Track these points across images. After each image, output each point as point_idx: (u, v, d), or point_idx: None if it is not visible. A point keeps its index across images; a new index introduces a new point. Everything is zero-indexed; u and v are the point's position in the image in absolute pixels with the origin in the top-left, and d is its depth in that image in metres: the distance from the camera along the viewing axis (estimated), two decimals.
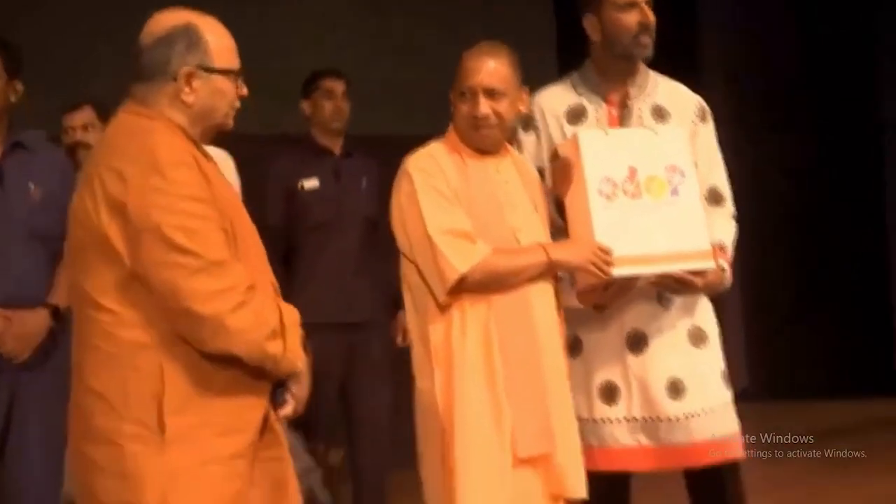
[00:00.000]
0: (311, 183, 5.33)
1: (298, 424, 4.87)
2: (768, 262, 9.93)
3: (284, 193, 5.34)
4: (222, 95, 3.00)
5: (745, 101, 9.70)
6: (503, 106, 3.43)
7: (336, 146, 5.48)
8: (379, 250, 5.09)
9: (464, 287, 3.35)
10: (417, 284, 3.41)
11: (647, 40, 3.74)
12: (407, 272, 3.45)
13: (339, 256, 5.21)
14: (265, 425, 2.94)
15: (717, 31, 9.74)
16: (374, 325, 5.33)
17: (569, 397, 3.50)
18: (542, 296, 3.45)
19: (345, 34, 7.88)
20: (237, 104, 3.03)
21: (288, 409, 2.99)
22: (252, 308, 2.85)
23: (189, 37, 2.96)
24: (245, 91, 3.03)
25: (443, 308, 3.37)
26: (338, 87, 5.49)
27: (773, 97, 9.86)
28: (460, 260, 3.33)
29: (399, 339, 5.29)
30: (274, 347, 2.88)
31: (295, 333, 2.96)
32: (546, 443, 3.38)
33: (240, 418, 2.89)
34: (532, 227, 3.50)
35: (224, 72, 2.99)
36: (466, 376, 3.34)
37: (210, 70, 2.97)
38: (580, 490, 3.45)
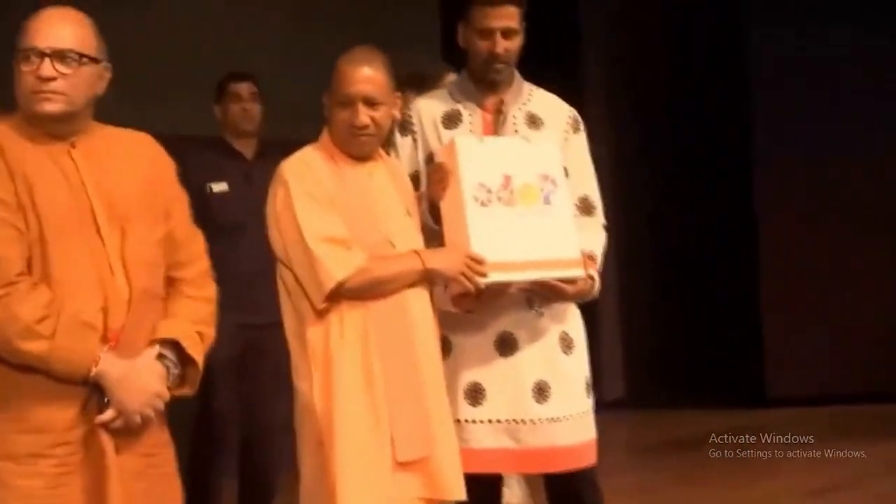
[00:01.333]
0: (219, 186, 5.27)
1: None
2: (638, 273, 10.10)
3: (193, 196, 5.35)
4: (19, 78, 2.95)
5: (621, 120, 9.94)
6: (380, 113, 3.46)
7: (248, 149, 5.44)
8: None
9: (340, 294, 3.36)
10: (294, 288, 3.42)
11: (499, 67, 3.78)
12: (284, 276, 3.45)
13: (249, 259, 5.02)
14: (88, 431, 2.93)
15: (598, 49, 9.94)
16: (280, 327, 5.35)
17: (446, 400, 3.53)
18: (418, 299, 3.47)
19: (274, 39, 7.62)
20: (39, 86, 2.91)
21: (105, 416, 2.95)
22: (1, 304, 2.84)
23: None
24: (45, 71, 2.90)
25: (320, 312, 3.38)
26: (244, 89, 5.45)
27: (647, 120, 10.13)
28: (337, 267, 3.34)
29: None
30: (31, 346, 2.86)
31: (82, 335, 2.91)
32: (425, 446, 3.40)
33: (42, 419, 2.89)
34: (406, 232, 3.53)
35: (18, 53, 2.93)
36: (345, 379, 3.35)
37: (14, 56, 2.94)
38: (459, 492, 3.47)
